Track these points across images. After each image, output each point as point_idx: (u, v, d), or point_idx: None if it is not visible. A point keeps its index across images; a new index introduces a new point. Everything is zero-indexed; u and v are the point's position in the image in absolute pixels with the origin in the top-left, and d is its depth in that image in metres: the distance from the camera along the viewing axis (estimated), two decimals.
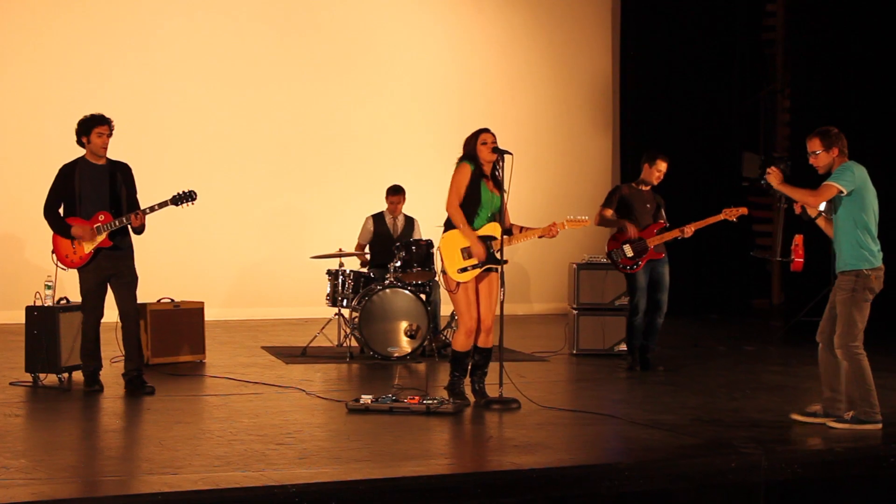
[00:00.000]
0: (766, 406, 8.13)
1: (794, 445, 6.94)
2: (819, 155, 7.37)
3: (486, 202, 7.96)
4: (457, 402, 7.83)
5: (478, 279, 7.99)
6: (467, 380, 8.14)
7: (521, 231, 8.13)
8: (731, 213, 9.78)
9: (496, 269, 7.99)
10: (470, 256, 7.90)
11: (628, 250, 9.95)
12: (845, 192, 7.28)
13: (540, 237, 8.17)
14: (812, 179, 7.56)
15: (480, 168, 7.96)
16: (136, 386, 8.42)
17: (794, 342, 12.14)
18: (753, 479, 6.45)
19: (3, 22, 13.29)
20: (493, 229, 7.96)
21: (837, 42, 13.79)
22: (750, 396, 8.68)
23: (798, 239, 8.61)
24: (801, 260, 8.51)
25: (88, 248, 8.38)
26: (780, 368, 10.30)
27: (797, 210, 7.67)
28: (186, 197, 8.56)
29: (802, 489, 6.56)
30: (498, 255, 7.95)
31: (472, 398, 8.07)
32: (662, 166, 10.03)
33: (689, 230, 9.86)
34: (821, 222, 7.58)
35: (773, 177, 7.50)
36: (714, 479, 6.42)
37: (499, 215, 7.98)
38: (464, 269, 7.92)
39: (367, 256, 11.32)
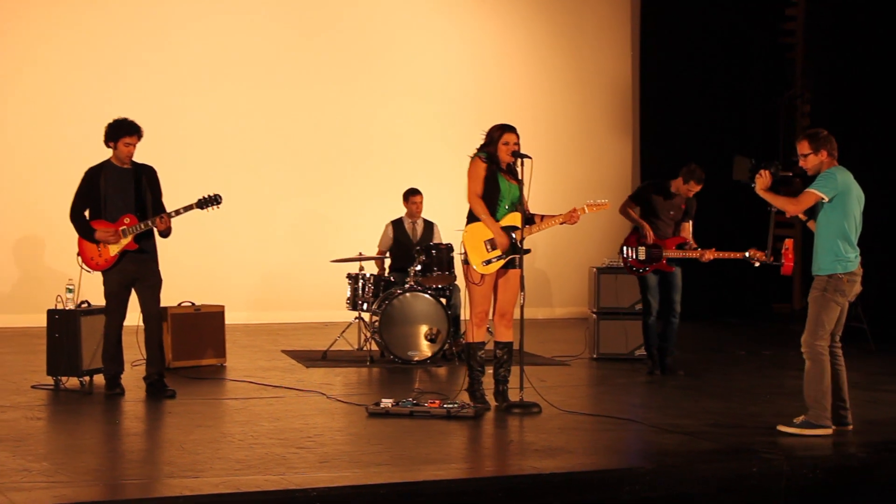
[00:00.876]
0: (786, 411, 8.07)
1: (816, 451, 6.89)
2: (808, 157, 7.37)
3: (505, 192, 7.97)
4: (477, 406, 7.83)
5: (497, 273, 8.00)
6: (489, 383, 8.13)
7: (541, 219, 8.13)
8: (756, 257, 9.45)
9: (516, 267, 8.00)
10: (494, 248, 7.91)
11: (642, 253, 9.92)
12: (826, 200, 7.27)
13: (562, 223, 8.15)
14: None
15: (497, 162, 7.97)
16: (158, 389, 8.45)
17: None
18: (774, 485, 6.43)
19: (24, 25, 13.36)
20: (514, 219, 7.97)
21: (857, 47, 13.73)
22: (770, 401, 8.65)
23: (788, 242, 8.57)
24: (791, 263, 8.49)
25: (114, 250, 8.41)
26: (800, 373, 10.22)
27: (787, 214, 7.66)
28: (212, 201, 8.57)
29: (824, 495, 6.53)
30: (520, 245, 7.97)
31: (492, 402, 8.07)
32: (695, 188, 9.91)
33: (709, 256, 9.75)
34: (812, 224, 7.56)
35: (760, 182, 7.50)
36: (735, 484, 6.40)
37: (519, 205, 8.00)
38: (488, 262, 7.93)
39: (388, 261, 11.33)
